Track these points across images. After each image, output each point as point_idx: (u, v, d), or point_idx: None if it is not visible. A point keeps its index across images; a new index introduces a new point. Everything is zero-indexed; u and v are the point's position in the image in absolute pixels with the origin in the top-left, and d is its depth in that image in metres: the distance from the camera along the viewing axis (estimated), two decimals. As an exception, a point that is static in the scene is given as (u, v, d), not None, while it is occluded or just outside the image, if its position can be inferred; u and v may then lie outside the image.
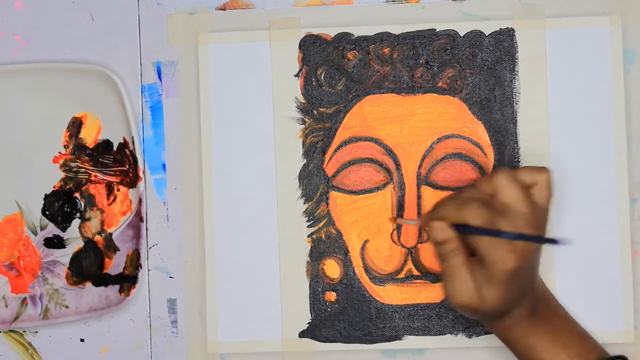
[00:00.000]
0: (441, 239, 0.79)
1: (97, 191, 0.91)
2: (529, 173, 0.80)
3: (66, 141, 0.91)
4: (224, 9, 0.91)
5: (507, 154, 0.88)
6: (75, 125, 0.91)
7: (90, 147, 0.91)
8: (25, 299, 0.91)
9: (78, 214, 0.91)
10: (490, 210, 0.78)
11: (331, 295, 0.89)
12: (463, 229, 0.78)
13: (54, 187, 0.91)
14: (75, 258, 0.91)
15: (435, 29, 0.89)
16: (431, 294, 0.89)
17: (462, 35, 0.89)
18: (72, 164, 0.91)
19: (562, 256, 0.88)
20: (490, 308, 0.79)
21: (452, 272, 0.79)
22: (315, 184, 0.89)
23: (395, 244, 0.89)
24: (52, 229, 0.91)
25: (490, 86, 0.88)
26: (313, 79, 0.89)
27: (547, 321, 0.82)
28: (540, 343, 0.81)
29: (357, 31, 0.89)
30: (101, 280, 0.90)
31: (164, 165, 0.91)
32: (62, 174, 0.91)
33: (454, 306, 0.80)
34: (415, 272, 0.88)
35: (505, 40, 0.89)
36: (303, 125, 0.89)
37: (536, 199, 0.80)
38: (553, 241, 0.78)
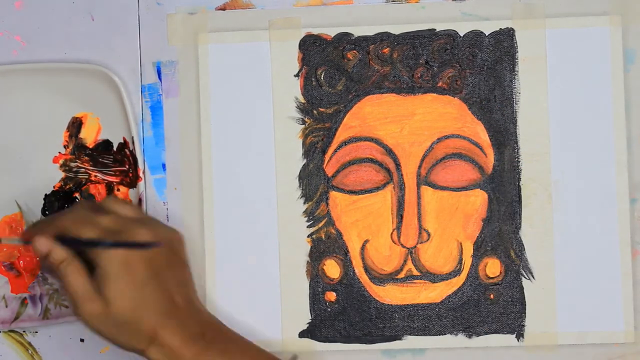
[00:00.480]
0: (45, 251, 0.79)
1: (97, 191, 0.91)
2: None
3: (66, 141, 0.91)
4: (224, 9, 0.91)
5: (507, 154, 0.88)
6: (75, 125, 0.91)
7: (90, 147, 0.91)
8: (25, 299, 0.91)
9: (78, 214, 0.91)
10: (96, 212, 0.81)
11: (331, 295, 0.89)
12: (69, 243, 0.79)
13: (54, 187, 0.91)
14: (75, 258, 0.91)
15: (435, 29, 0.89)
16: (431, 294, 0.88)
17: (462, 35, 0.89)
18: (72, 164, 0.91)
19: (562, 256, 0.88)
20: (118, 308, 0.78)
21: (68, 282, 0.79)
22: (315, 184, 0.89)
23: (395, 244, 0.89)
24: (52, 229, 0.91)
25: (490, 86, 0.88)
26: (313, 79, 0.89)
27: (218, 344, 0.81)
28: None
29: (357, 31, 0.89)
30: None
31: (164, 165, 0.91)
32: (62, 174, 0.91)
33: (83, 319, 0.79)
34: (415, 272, 0.88)
35: (505, 40, 0.88)
36: (303, 125, 0.89)
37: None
38: (145, 245, 0.79)
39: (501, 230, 0.88)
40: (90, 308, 0.78)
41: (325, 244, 0.89)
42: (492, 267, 0.88)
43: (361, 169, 0.89)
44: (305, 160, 0.89)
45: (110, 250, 0.78)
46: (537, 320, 0.88)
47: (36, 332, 0.91)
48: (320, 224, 0.89)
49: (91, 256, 0.79)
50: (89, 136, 0.91)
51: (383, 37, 0.89)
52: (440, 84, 0.89)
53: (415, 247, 0.88)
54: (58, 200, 0.91)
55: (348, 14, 0.90)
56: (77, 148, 0.91)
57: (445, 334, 0.88)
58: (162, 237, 0.81)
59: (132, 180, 0.90)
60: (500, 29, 0.89)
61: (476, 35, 0.88)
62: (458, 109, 0.88)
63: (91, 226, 0.79)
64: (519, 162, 0.88)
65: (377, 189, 0.89)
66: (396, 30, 0.89)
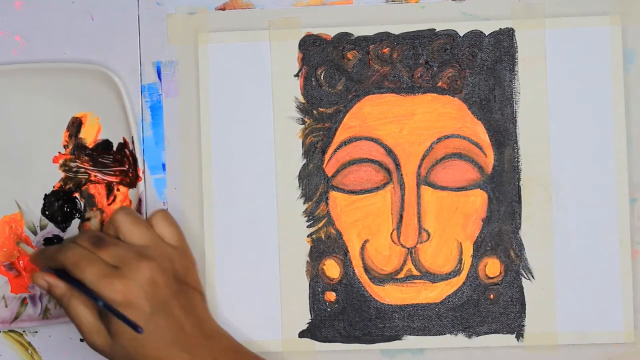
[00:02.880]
0: (45, 287, 0.80)
1: (97, 191, 0.91)
2: (150, 216, 0.85)
3: (66, 141, 0.91)
4: (224, 9, 0.91)
5: (507, 154, 0.88)
6: (75, 125, 0.91)
7: (90, 147, 0.91)
8: (25, 298, 0.91)
9: (78, 214, 0.91)
10: (97, 245, 0.80)
11: (331, 295, 0.89)
12: (69, 277, 0.79)
13: (53, 187, 0.91)
14: (75, 258, 0.91)
15: (435, 29, 0.89)
16: (431, 294, 0.88)
17: (462, 35, 0.89)
18: (72, 164, 0.91)
19: (562, 256, 0.88)
20: (123, 342, 0.79)
21: (73, 315, 0.80)
22: (315, 184, 0.89)
23: (395, 244, 0.88)
24: (51, 229, 0.91)
25: (490, 86, 0.88)
26: (313, 79, 0.89)
27: None
28: None
29: (357, 31, 0.89)
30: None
31: (163, 165, 0.91)
32: (62, 174, 0.91)
33: (94, 348, 0.80)
34: (415, 272, 0.88)
35: (505, 40, 0.88)
36: (303, 125, 0.89)
37: (164, 237, 0.83)
38: (129, 323, 0.78)
39: (501, 230, 0.88)
40: (97, 341, 0.80)
41: (325, 244, 0.89)
42: (492, 267, 0.88)
43: (361, 169, 0.89)
44: (305, 160, 0.89)
45: (111, 283, 0.78)
46: (537, 320, 0.88)
47: (36, 332, 0.91)
48: (320, 224, 0.89)
49: (92, 290, 0.79)
50: (89, 136, 0.91)
51: (383, 37, 0.89)
52: (440, 84, 0.89)
53: (415, 247, 0.88)
54: (58, 200, 0.91)
55: (348, 14, 0.90)
56: (77, 148, 0.91)
57: (445, 334, 0.88)
58: (165, 269, 0.80)
59: (132, 180, 0.90)
60: (500, 29, 0.89)
61: (476, 35, 0.88)
62: (458, 109, 0.88)
63: (88, 264, 0.79)
64: (519, 162, 0.88)
65: (377, 189, 0.89)
66: (396, 30, 0.89)
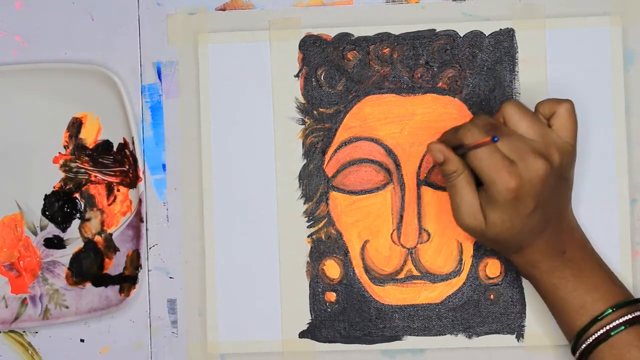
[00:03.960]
0: (440, 160, 0.79)
1: (97, 191, 0.91)
2: (547, 104, 0.81)
3: (66, 141, 0.91)
4: (224, 9, 0.91)
5: (507, 154, 0.88)
6: (75, 126, 0.91)
7: (90, 147, 0.91)
8: (25, 299, 0.91)
9: (78, 215, 0.91)
10: (492, 132, 0.78)
11: (331, 296, 0.89)
12: (458, 150, 0.79)
13: (54, 187, 0.91)
14: (75, 258, 0.91)
15: (435, 29, 0.89)
16: (431, 294, 0.89)
17: (462, 36, 0.89)
18: (72, 165, 0.91)
19: (562, 256, 0.88)
20: (495, 232, 0.79)
21: (455, 193, 0.80)
22: (315, 185, 0.89)
23: (395, 244, 0.89)
24: (52, 229, 0.91)
25: (490, 86, 0.88)
26: (313, 79, 0.89)
27: (574, 264, 0.81)
28: (564, 284, 0.81)
29: (357, 31, 0.89)
30: (101, 280, 0.90)
31: (164, 166, 0.91)
32: (62, 174, 0.91)
33: (462, 228, 0.81)
34: (415, 273, 0.89)
35: (505, 40, 0.88)
36: (303, 126, 0.89)
37: (556, 130, 0.80)
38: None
39: (501, 231, 0.88)
40: (470, 223, 0.80)
41: (325, 244, 0.89)
42: (492, 268, 0.88)
43: (361, 170, 0.89)
44: (305, 161, 0.89)
45: (501, 177, 0.77)
46: (537, 320, 0.88)
47: (36, 332, 0.91)
48: (320, 225, 0.89)
49: (483, 178, 0.78)
50: (89, 136, 0.91)
51: (383, 38, 0.89)
52: (440, 84, 0.89)
53: (415, 247, 0.88)
54: (58, 201, 0.91)
55: (348, 14, 0.90)
56: (77, 148, 0.91)
57: (445, 334, 0.89)
58: (556, 166, 0.79)
59: (132, 180, 0.90)
60: (500, 29, 0.89)
61: (476, 35, 0.88)
62: (458, 109, 0.89)
63: (488, 155, 0.77)
64: (519, 162, 0.88)
65: (377, 189, 0.89)
66: (396, 30, 0.89)
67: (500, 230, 0.79)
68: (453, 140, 0.80)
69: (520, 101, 0.83)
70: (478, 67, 0.88)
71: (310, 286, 0.89)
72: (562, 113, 0.80)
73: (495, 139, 0.75)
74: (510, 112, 0.80)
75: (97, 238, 0.91)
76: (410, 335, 0.89)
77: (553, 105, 0.80)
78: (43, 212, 0.91)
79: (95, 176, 0.91)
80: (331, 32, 0.89)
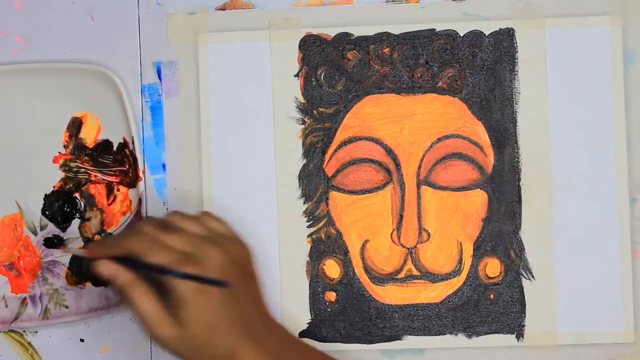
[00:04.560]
0: (108, 275, 0.77)
1: (97, 191, 0.91)
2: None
3: (66, 141, 0.91)
4: (224, 9, 0.91)
5: (507, 154, 0.88)
6: (75, 125, 0.91)
7: (90, 147, 0.91)
8: (25, 299, 0.91)
9: (78, 214, 0.91)
10: (163, 231, 0.78)
11: (331, 295, 0.89)
12: (134, 265, 0.77)
13: (53, 187, 0.91)
14: (75, 258, 0.91)
15: (435, 29, 0.89)
16: (431, 294, 0.88)
17: (462, 35, 0.89)
18: (72, 164, 0.91)
19: (562, 256, 0.88)
20: (194, 332, 0.76)
21: (138, 306, 0.77)
22: (315, 184, 0.89)
23: (395, 244, 0.89)
24: (52, 229, 0.91)
25: (490, 86, 0.88)
26: (313, 79, 0.89)
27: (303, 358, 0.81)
28: None
29: (357, 31, 0.89)
30: (101, 280, 0.90)
31: (163, 165, 0.91)
32: (62, 174, 0.91)
33: (160, 343, 0.77)
34: (415, 272, 0.88)
35: (505, 40, 0.89)
36: (303, 125, 0.89)
37: (217, 230, 0.82)
38: (215, 282, 0.76)
39: (501, 230, 0.88)
40: (164, 332, 0.76)
41: (325, 244, 0.89)
42: (492, 267, 0.88)
43: (361, 169, 0.89)
44: (305, 160, 0.89)
45: (188, 269, 0.76)
46: (537, 320, 0.88)
47: (36, 332, 0.91)
48: (320, 224, 0.89)
49: (161, 279, 0.76)
50: (89, 136, 0.91)
51: (383, 37, 0.89)
52: (440, 84, 0.89)
53: (415, 247, 0.88)
54: (58, 200, 0.91)
55: (348, 14, 0.90)
56: (77, 148, 0.91)
57: (445, 334, 0.88)
58: (232, 255, 0.79)
59: (132, 180, 0.90)
60: (500, 29, 0.89)
61: (476, 35, 0.89)
62: (458, 109, 0.89)
63: (160, 250, 0.77)
64: (519, 162, 0.88)
65: (377, 189, 0.89)
66: (396, 30, 0.89)
67: (198, 329, 0.76)
68: (121, 250, 0.78)
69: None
70: (478, 67, 0.88)
71: (310, 286, 0.89)
72: (204, 218, 0.82)
73: (230, 284, 0.75)
74: (172, 218, 0.80)
75: (97, 238, 0.91)
76: (410, 335, 0.89)
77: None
78: (43, 212, 0.91)
79: (95, 176, 0.91)
80: (331, 32, 0.89)
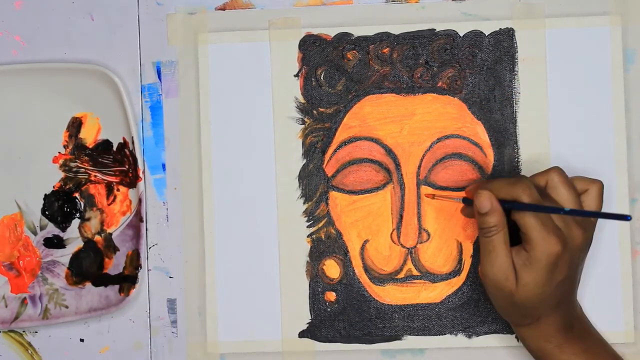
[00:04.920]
0: (486, 210, 0.79)
1: (97, 191, 0.91)
2: (583, 180, 0.82)
3: (66, 141, 0.91)
4: (224, 9, 0.91)
5: (507, 154, 0.88)
6: (75, 125, 0.91)
7: (90, 147, 0.91)
8: (25, 299, 0.91)
9: (78, 214, 0.91)
10: (540, 195, 0.79)
11: (331, 295, 0.89)
12: (511, 206, 0.78)
13: (53, 187, 0.91)
14: (75, 258, 0.91)
15: (435, 29, 0.89)
16: (431, 294, 0.88)
17: (462, 35, 0.89)
18: (72, 164, 0.91)
19: (562, 256, 0.88)
20: (525, 295, 0.78)
21: (491, 249, 0.79)
22: (315, 184, 0.89)
23: (395, 244, 0.89)
24: (51, 229, 0.91)
25: (490, 86, 0.88)
26: (313, 79, 0.89)
27: (582, 340, 0.82)
28: (574, 359, 0.81)
29: (357, 31, 0.89)
30: (101, 280, 0.90)
31: (163, 165, 0.91)
32: (62, 174, 0.91)
33: (489, 285, 0.80)
34: (415, 272, 0.88)
35: (505, 40, 0.88)
36: (303, 125, 0.89)
37: (586, 207, 0.81)
38: (614, 216, 0.77)
39: (501, 230, 0.88)
40: (501, 281, 0.79)
41: (325, 244, 0.89)
42: (492, 267, 0.88)
43: (361, 169, 0.89)
44: (305, 160, 0.89)
45: (549, 240, 0.77)
46: (537, 320, 0.88)
47: (36, 332, 0.91)
48: (320, 224, 0.89)
49: (524, 236, 0.78)
50: (88, 136, 0.91)
51: (383, 37, 0.89)
52: (440, 84, 0.89)
53: (415, 247, 0.88)
54: (58, 200, 0.91)
55: (348, 14, 0.90)
56: (77, 148, 0.91)
57: (445, 334, 0.88)
58: (589, 237, 0.81)
59: (132, 180, 0.90)
60: (500, 29, 0.89)
61: (476, 35, 0.89)
62: (458, 109, 0.88)
63: (539, 216, 0.78)
64: (519, 162, 0.88)
65: (377, 189, 0.89)
66: (396, 30, 0.89)
67: (531, 294, 0.79)
68: (503, 194, 0.79)
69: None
70: (478, 67, 0.88)
71: (310, 286, 0.89)
72: (593, 192, 0.81)
73: (629, 217, 0.75)
74: (556, 180, 0.80)
75: (97, 238, 0.91)
76: (410, 335, 0.89)
77: (586, 183, 0.82)
78: (43, 212, 0.91)
79: (95, 176, 0.91)
80: (331, 32, 0.89)
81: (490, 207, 0.79)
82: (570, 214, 0.78)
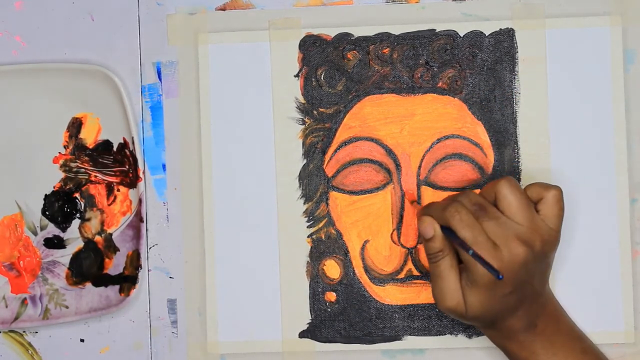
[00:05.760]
0: (430, 236, 0.80)
1: (97, 191, 0.91)
2: (539, 188, 0.81)
3: (66, 141, 0.91)
4: (224, 9, 0.91)
5: (507, 154, 0.88)
6: (75, 126, 0.91)
7: (90, 147, 0.91)
8: (25, 299, 0.91)
9: (78, 214, 0.91)
10: (479, 213, 0.78)
11: (331, 296, 0.89)
12: (444, 231, 0.80)
13: (54, 187, 0.91)
14: (75, 258, 0.91)
15: (435, 29, 0.89)
16: (431, 294, 0.88)
17: (462, 36, 0.89)
18: (72, 164, 0.91)
19: (563, 256, 0.88)
20: (474, 314, 0.79)
21: (438, 275, 0.80)
22: (315, 185, 0.89)
23: (395, 244, 0.89)
24: (52, 229, 0.91)
25: (490, 86, 0.88)
26: (313, 79, 0.89)
27: (545, 337, 0.82)
28: (535, 357, 0.81)
29: (357, 31, 0.89)
30: (101, 280, 0.90)
31: (164, 166, 0.91)
32: (62, 174, 0.91)
33: (441, 310, 0.81)
34: (415, 272, 0.88)
35: (505, 40, 0.88)
36: (303, 126, 0.89)
37: (543, 216, 0.80)
38: (491, 268, 0.77)
39: (501, 231, 0.88)
40: (452, 306, 0.80)
41: (325, 244, 0.89)
42: (492, 267, 0.88)
43: (361, 170, 0.89)
44: (305, 161, 0.89)
45: (489, 260, 0.77)
46: (537, 320, 0.88)
47: (36, 332, 0.91)
48: (320, 224, 0.89)
49: (465, 259, 0.79)
50: (89, 136, 0.91)
51: (383, 38, 0.89)
52: (440, 84, 0.89)
53: (415, 247, 0.88)
54: (58, 201, 0.91)
55: (348, 14, 0.90)
56: (77, 148, 0.91)
57: (445, 334, 0.89)
58: (538, 252, 0.79)
59: (132, 180, 0.90)
60: (500, 29, 0.89)
61: (476, 35, 0.88)
62: (458, 109, 0.89)
63: (475, 235, 0.78)
64: (519, 162, 0.88)
65: (377, 189, 0.89)
66: (396, 30, 0.89)
67: (479, 312, 0.79)
68: (439, 219, 0.80)
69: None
70: (478, 67, 0.88)
71: (310, 286, 0.89)
72: (549, 200, 0.80)
73: (500, 277, 0.76)
74: (504, 192, 0.79)
75: (97, 238, 0.91)
76: (410, 335, 0.89)
77: (541, 190, 0.81)
78: (43, 212, 0.91)
79: (95, 176, 0.91)
80: (331, 32, 0.89)
81: (434, 233, 0.80)
82: (473, 257, 0.77)
